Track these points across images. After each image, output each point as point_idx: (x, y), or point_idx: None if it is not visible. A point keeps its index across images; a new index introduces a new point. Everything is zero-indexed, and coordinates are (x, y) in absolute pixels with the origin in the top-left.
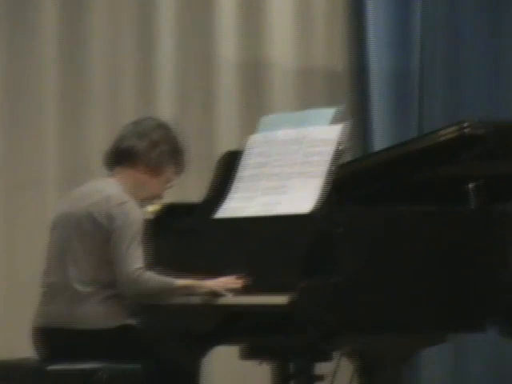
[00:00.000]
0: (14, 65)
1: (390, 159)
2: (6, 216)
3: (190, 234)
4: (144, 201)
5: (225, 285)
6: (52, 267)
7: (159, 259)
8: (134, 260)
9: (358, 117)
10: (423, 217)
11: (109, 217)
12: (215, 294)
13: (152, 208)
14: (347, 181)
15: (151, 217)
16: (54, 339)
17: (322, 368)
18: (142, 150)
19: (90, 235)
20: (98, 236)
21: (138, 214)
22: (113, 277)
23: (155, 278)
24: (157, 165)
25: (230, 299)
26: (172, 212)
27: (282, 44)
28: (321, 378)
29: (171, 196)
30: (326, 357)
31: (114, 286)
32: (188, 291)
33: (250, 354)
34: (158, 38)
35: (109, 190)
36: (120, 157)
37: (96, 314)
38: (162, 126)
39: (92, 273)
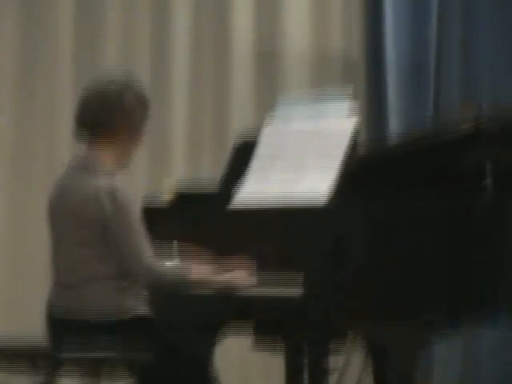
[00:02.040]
0: (28, 55)
1: (404, 153)
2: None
3: (204, 223)
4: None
5: (239, 279)
6: (56, 264)
7: (172, 249)
8: (142, 249)
9: (374, 104)
10: (433, 206)
11: (100, 211)
12: (230, 288)
13: (169, 183)
14: (361, 173)
15: (165, 205)
16: (66, 330)
17: (332, 362)
18: (117, 124)
19: (87, 231)
20: (95, 230)
21: (130, 200)
22: (118, 268)
23: (170, 268)
24: (135, 130)
25: (243, 290)
26: (186, 200)
27: (298, 31)
28: (332, 371)
29: (186, 174)
30: (337, 350)
31: (120, 278)
32: (203, 284)
33: (263, 345)
34: (173, 26)
35: (95, 181)
36: (95, 129)
37: (104, 307)
38: (124, 89)
39: (96, 267)
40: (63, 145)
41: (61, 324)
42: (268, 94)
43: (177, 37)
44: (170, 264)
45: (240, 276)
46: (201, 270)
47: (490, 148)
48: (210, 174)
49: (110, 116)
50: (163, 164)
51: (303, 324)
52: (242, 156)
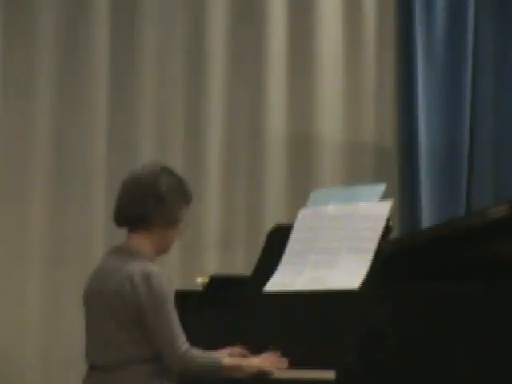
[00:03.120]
0: (66, 80)
1: (438, 236)
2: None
3: (239, 307)
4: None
5: (272, 364)
6: (89, 346)
7: (206, 332)
8: (176, 335)
9: (407, 192)
10: (471, 294)
11: (136, 296)
12: (262, 374)
13: (201, 280)
14: (395, 257)
15: (199, 289)
16: None
17: None
18: (152, 212)
19: (121, 313)
20: (129, 314)
21: (165, 285)
22: (151, 352)
23: (203, 355)
24: (173, 218)
25: (278, 373)
26: (219, 285)
27: (331, 118)
28: None
29: (220, 268)
30: None
31: (152, 361)
32: (236, 371)
33: None
34: (207, 110)
35: (131, 265)
36: (134, 222)
37: None
38: (159, 174)
39: (129, 349)
40: (98, 229)
41: None
42: (300, 188)
43: (211, 121)
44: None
45: (271, 361)
46: (233, 355)
47: None
48: (242, 270)
49: (143, 203)
50: (195, 257)
51: None
52: (277, 240)
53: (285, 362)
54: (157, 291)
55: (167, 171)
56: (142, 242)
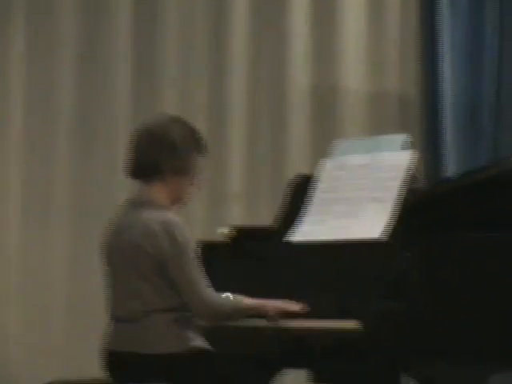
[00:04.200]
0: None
1: (463, 185)
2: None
3: (263, 257)
4: (185, 199)
5: (292, 306)
6: (113, 299)
7: (232, 283)
8: (200, 283)
9: (430, 143)
10: (494, 244)
11: (157, 245)
12: (283, 314)
13: (226, 232)
14: (417, 206)
15: (226, 240)
16: (125, 364)
17: None
18: (165, 161)
19: (144, 265)
20: (152, 264)
21: (186, 233)
22: (175, 301)
23: (226, 299)
24: (184, 166)
25: (299, 323)
26: (245, 236)
27: (354, 69)
28: None
29: (244, 218)
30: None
31: (176, 310)
32: (257, 311)
33: (319, 378)
34: (230, 62)
35: (148, 215)
36: (146, 172)
37: (163, 339)
38: (171, 123)
39: (153, 299)
40: (120, 183)
41: (120, 357)
42: (323, 139)
43: (234, 73)
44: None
45: (292, 303)
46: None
47: None
48: (266, 220)
49: (156, 152)
50: (219, 209)
51: (357, 357)
52: (299, 191)
53: (305, 307)
54: (177, 239)
55: (179, 121)
56: (156, 191)
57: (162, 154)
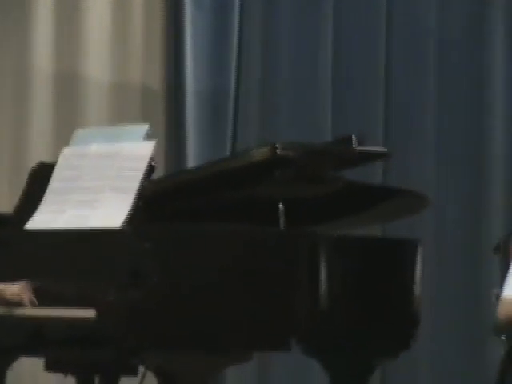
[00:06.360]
0: None
1: (200, 177)
2: None
3: (2, 245)
4: None
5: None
6: None
7: None
8: None
9: (173, 135)
10: (231, 235)
11: None
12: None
13: None
14: (158, 197)
15: None
16: None
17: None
18: None
19: None
20: None
21: None
22: None
23: None
24: None
25: (35, 311)
26: None
27: (98, 58)
28: None
29: None
30: (131, 371)
31: None
32: None
33: (55, 366)
34: None
35: None
36: None
37: None
38: None
39: None
40: None
41: None
42: (66, 127)
43: None
44: None
45: (13, 289)
46: None
47: (284, 179)
48: (5, 208)
49: None
50: None
51: (95, 345)
52: (41, 180)
53: (29, 296)
54: None
55: None
56: None
57: None
